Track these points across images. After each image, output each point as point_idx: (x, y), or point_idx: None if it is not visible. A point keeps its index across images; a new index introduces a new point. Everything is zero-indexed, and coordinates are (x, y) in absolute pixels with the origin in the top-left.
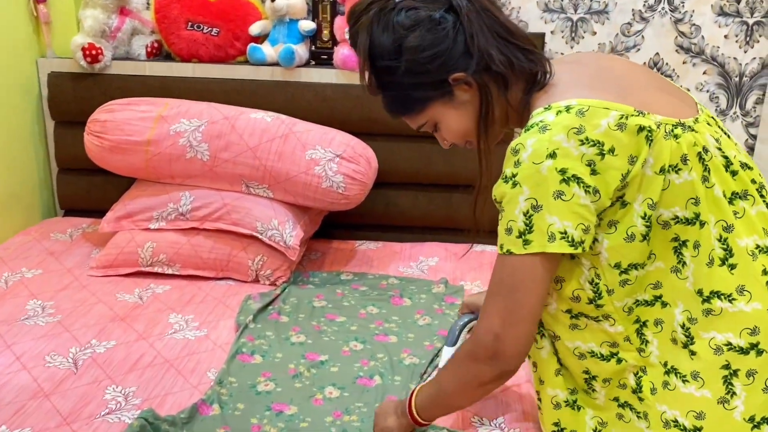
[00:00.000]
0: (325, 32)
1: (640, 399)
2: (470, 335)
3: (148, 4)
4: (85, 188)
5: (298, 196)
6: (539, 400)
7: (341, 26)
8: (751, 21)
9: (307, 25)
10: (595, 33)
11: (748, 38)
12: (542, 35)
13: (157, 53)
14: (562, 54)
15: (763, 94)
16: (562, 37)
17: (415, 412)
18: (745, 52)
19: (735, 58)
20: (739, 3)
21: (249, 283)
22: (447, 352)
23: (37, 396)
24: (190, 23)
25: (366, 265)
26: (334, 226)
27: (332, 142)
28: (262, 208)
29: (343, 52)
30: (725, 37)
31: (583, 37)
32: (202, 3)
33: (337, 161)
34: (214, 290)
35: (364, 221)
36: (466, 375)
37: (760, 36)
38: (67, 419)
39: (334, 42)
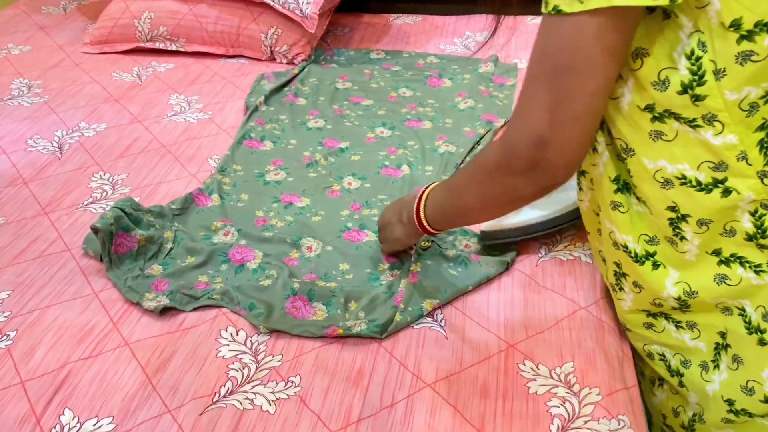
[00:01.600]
0: None
1: (761, 247)
2: (498, 137)
3: None
4: None
5: None
6: (596, 240)
7: None
8: None
9: None
10: None
11: None
12: None
13: None
14: None
15: None
16: None
17: (424, 220)
18: None
19: None
20: None
21: (264, 61)
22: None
23: (15, 182)
24: None
25: (401, 42)
26: None
27: None
28: None
29: None
30: None
31: None
32: None
33: None
34: (224, 69)
35: None
36: (494, 189)
37: None
38: (45, 208)
39: None
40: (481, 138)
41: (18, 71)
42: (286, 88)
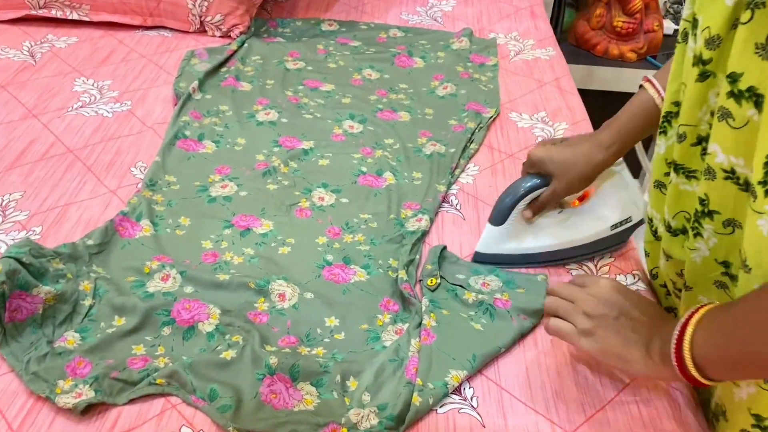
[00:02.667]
0: None
1: None
2: None
3: None
4: None
5: None
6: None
7: None
8: None
9: None
10: None
11: None
12: None
13: None
14: None
15: None
16: None
17: (691, 364)
18: None
19: None
20: None
21: (192, 34)
22: (488, 233)
23: None
24: None
25: (356, 11)
26: None
27: None
28: None
29: None
30: None
31: None
32: None
33: None
34: (141, 44)
35: None
36: None
37: None
38: None
39: None
40: (472, 134)
41: None
42: (223, 69)
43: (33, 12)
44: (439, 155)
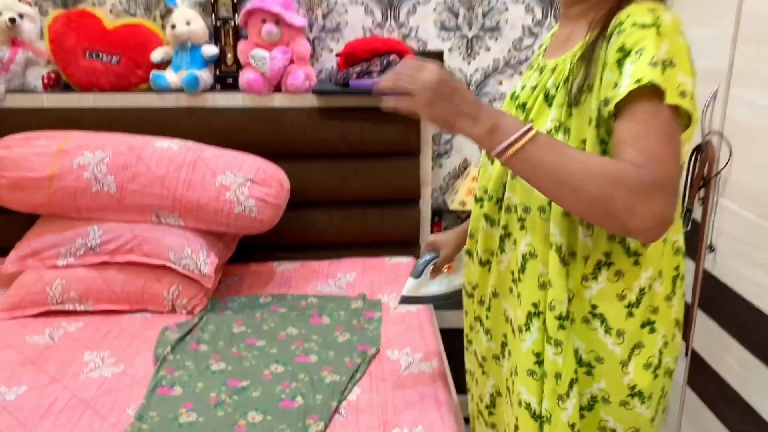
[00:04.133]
0: (229, 56)
1: None
2: (627, 167)
3: (42, 33)
4: None
5: (210, 223)
6: None
7: (245, 50)
8: None
9: (210, 50)
10: (489, 49)
11: None
12: (440, 53)
13: (55, 84)
14: (460, 69)
15: None
16: (459, 53)
17: (518, 148)
18: None
19: None
20: None
21: (166, 314)
22: (411, 283)
23: None
24: (88, 52)
25: (285, 286)
26: (250, 249)
27: (242, 166)
28: (174, 238)
29: (248, 75)
30: None
31: (479, 54)
32: (100, 31)
33: (248, 185)
34: (130, 324)
35: (281, 241)
36: (615, 190)
37: None
38: None
39: (239, 66)
40: (358, 366)
41: None
42: (188, 336)
43: (52, 307)
44: (335, 382)
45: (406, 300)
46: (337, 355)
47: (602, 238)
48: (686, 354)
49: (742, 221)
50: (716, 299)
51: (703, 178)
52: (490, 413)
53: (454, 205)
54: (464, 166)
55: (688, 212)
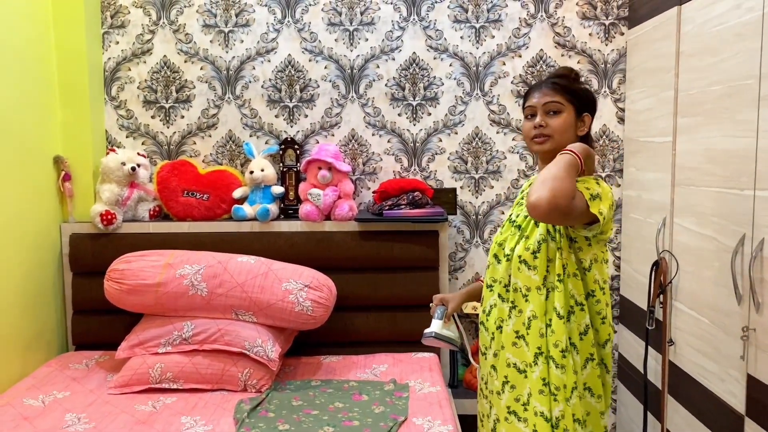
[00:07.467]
0: (291, 193)
1: None
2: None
3: (151, 178)
4: (95, 326)
5: (276, 319)
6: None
7: (304, 189)
8: None
9: (278, 189)
10: (492, 187)
11: None
12: (453, 189)
13: (158, 215)
14: (470, 203)
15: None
16: (469, 190)
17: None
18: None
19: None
20: None
21: (239, 392)
22: (437, 324)
23: None
24: (185, 191)
25: (330, 374)
26: (303, 345)
27: (302, 276)
28: (248, 331)
29: (306, 208)
30: None
31: (484, 190)
32: (195, 176)
33: (306, 290)
34: (212, 399)
35: (327, 339)
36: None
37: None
38: None
39: (299, 201)
40: (390, 428)
41: (66, 408)
42: (259, 407)
43: (152, 385)
44: None
45: (437, 336)
46: (374, 421)
47: (588, 313)
48: None
49: (692, 320)
50: (679, 385)
51: (661, 286)
52: None
53: (467, 309)
54: (475, 278)
55: (650, 312)
